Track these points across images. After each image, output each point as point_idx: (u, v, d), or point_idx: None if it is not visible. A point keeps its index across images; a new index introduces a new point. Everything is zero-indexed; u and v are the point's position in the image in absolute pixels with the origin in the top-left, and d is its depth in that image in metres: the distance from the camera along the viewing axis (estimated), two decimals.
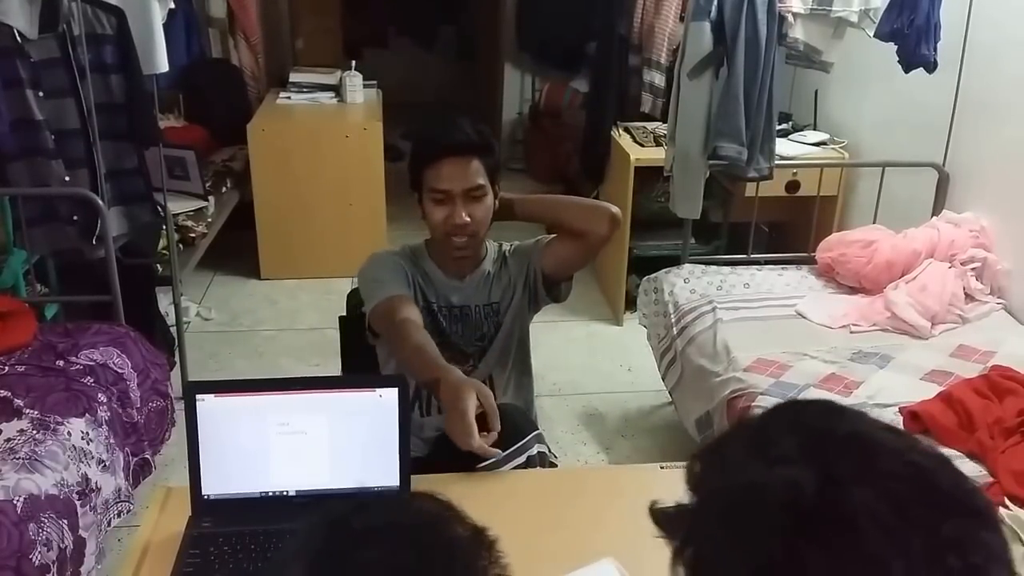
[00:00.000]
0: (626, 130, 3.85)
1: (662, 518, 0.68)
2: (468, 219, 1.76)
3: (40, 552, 1.74)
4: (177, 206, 3.46)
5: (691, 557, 0.65)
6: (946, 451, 1.99)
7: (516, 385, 1.96)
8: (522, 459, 1.64)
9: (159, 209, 2.89)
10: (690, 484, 0.67)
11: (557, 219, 1.91)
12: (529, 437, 1.68)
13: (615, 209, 1.87)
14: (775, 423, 0.66)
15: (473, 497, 1.53)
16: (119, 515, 2.08)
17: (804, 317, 2.71)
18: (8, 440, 1.93)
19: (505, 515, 1.51)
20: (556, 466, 1.90)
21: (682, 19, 3.34)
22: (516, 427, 1.70)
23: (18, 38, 2.37)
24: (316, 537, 0.72)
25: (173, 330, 3.25)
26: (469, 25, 7.11)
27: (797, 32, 2.88)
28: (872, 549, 0.56)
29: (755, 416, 0.68)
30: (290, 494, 1.46)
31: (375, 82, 4.69)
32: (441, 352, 1.85)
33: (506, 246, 1.95)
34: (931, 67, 2.77)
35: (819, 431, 0.64)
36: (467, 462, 1.63)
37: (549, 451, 1.77)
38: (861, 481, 0.59)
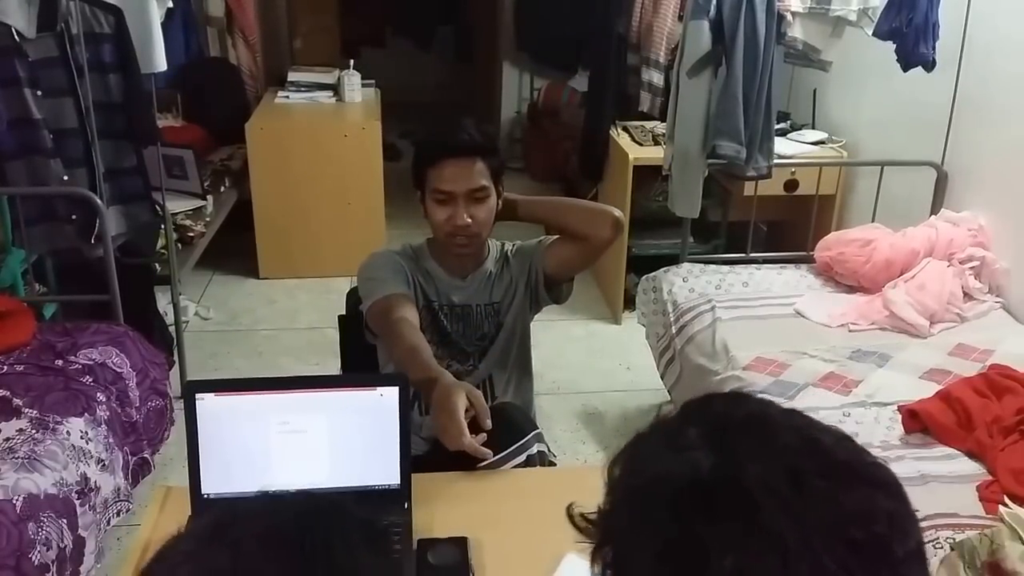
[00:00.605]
0: (625, 129, 3.85)
1: (580, 522, 0.69)
2: (470, 220, 1.76)
3: (40, 551, 1.74)
4: (175, 205, 3.46)
5: (607, 555, 0.65)
6: (944, 450, 2.01)
7: (516, 385, 1.96)
8: (522, 458, 1.65)
9: (158, 208, 2.89)
10: (607, 487, 0.68)
11: (560, 222, 1.91)
12: (529, 436, 1.68)
13: (618, 213, 1.86)
14: (683, 417, 0.67)
15: (472, 496, 1.55)
16: (118, 514, 2.08)
17: (803, 316, 2.72)
18: (7, 440, 1.93)
19: (504, 513, 1.52)
20: (555, 465, 1.91)
21: (681, 18, 3.35)
22: (516, 426, 1.70)
23: (16, 37, 2.37)
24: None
25: (172, 329, 3.25)
26: (467, 24, 7.11)
27: (796, 31, 2.89)
28: (768, 523, 0.56)
29: (667, 414, 0.69)
30: (290, 493, 1.45)
31: (373, 81, 4.69)
32: (442, 351, 1.86)
33: (508, 246, 1.95)
34: (929, 66, 2.77)
35: (720, 417, 0.65)
36: (467, 461, 1.63)
37: (548, 450, 1.77)
38: (757, 457, 0.59)
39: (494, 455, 1.63)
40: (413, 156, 1.85)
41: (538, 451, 1.68)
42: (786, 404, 2.13)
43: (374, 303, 1.77)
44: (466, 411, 1.51)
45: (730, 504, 0.58)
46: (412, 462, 1.48)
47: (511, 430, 1.68)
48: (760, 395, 0.70)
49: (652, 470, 0.63)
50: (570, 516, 0.70)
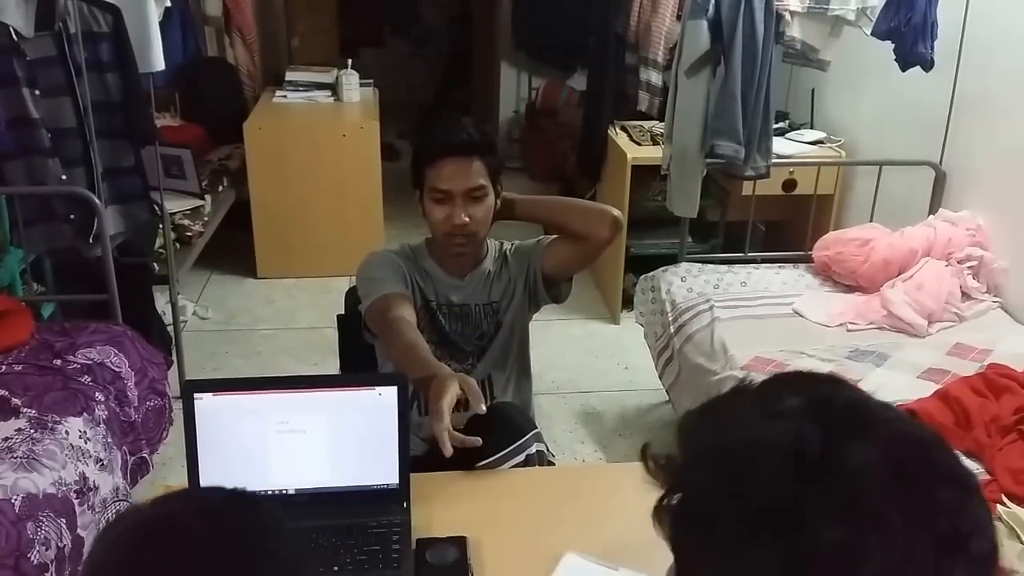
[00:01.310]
0: (623, 129, 3.85)
1: (653, 464, 0.69)
2: (468, 219, 1.76)
3: (39, 551, 1.73)
4: (173, 205, 3.45)
5: (677, 504, 0.66)
6: None
7: (516, 384, 1.96)
8: (520, 457, 1.65)
9: (156, 208, 2.89)
10: (682, 437, 0.68)
11: (559, 221, 1.91)
12: (528, 436, 1.68)
13: (617, 213, 1.86)
14: (776, 386, 0.68)
15: (471, 495, 1.55)
16: (117, 514, 2.08)
17: (801, 315, 2.72)
18: (6, 439, 1.92)
19: (503, 513, 1.52)
20: (554, 464, 1.91)
21: (679, 17, 3.35)
22: (515, 426, 1.70)
23: (14, 36, 2.37)
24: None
25: (170, 329, 3.25)
26: (465, 24, 7.10)
27: (794, 30, 2.89)
28: (872, 503, 0.58)
29: (753, 381, 0.70)
30: (289, 493, 1.46)
31: (372, 81, 4.69)
32: (441, 351, 1.86)
33: (507, 245, 1.95)
34: (928, 65, 2.77)
35: (821, 395, 0.66)
36: (466, 461, 1.64)
37: (547, 450, 1.77)
38: (864, 440, 0.61)
39: (493, 455, 1.63)
40: (411, 155, 1.85)
41: (537, 451, 1.68)
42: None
43: (373, 302, 1.77)
44: (461, 405, 1.51)
45: (837, 479, 0.59)
46: (411, 462, 1.48)
47: (510, 430, 1.68)
48: (848, 381, 0.71)
49: (747, 431, 0.64)
50: (643, 456, 0.70)
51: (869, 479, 0.59)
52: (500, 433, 1.67)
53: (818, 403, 0.64)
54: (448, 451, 1.44)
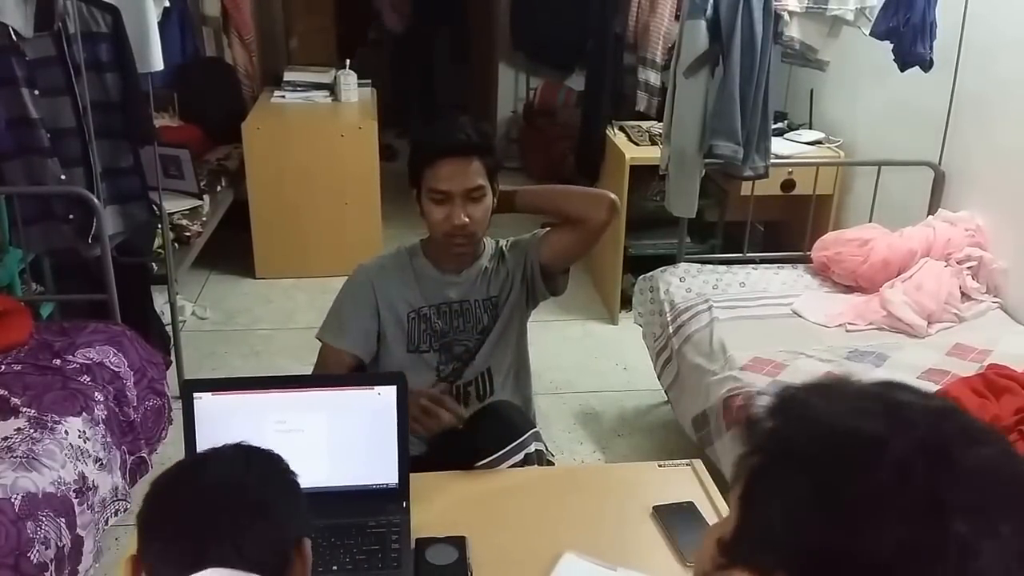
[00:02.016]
0: (621, 129, 3.85)
1: (749, 418, 0.69)
2: (467, 220, 1.76)
3: (38, 550, 1.74)
4: (172, 205, 3.45)
5: (755, 464, 0.66)
6: None
7: (515, 379, 1.95)
8: (519, 456, 1.65)
9: (155, 208, 2.89)
10: (780, 406, 0.68)
11: (556, 208, 1.91)
12: (527, 435, 1.68)
13: (613, 196, 1.88)
14: (885, 386, 0.69)
15: (471, 495, 1.55)
16: (116, 513, 2.08)
17: (800, 316, 2.72)
18: (5, 439, 1.92)
19: (502, 513, 1.52)
20: (553, 464, 1.91)
21: (678, 17, 3.35)
22: (513, 425, 1.70)
23: (13, 36, 2.36)
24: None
25: (169, 329, 3.25)
26: (463, 24, 7.09)
27: (793, 30, 2.89)
28: (993, 506, 0.60)
29: (853, 376, 0.71)
30: None
31: (370, 81, 4.69)
32: (442, 357, 1.86)
33: (503, 242, 1.95)
34: (927, 66, 2.78)
35: (938, 401, 0.67)
36: (465, 460, 1.64)
37: (546, 449, 1.77)
38: (987, 444, 0.63)
39: (492, 454, 1.63)
40: (409, 155, 1.85)
41: (536, 449, 1.68)
42: None
43: (323, 345, 1.87)
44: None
45: (968, 477, 0.61)
46: (410, 462, 1.49)
47: (508, 429, 1.68)
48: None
49: (875, 410, 0.64)
50: (747, 410, 0.71)
51: (994, 482, 0.61)
52: (499, 432, 1.68)
53: (938, 407, 0.66)
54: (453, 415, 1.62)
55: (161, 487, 1.02)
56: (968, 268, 2.75)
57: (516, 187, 1.93)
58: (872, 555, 0.59)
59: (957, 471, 0.60)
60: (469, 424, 1.78)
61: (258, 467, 1.04)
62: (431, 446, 1.86)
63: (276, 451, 1.08)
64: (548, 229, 1.92)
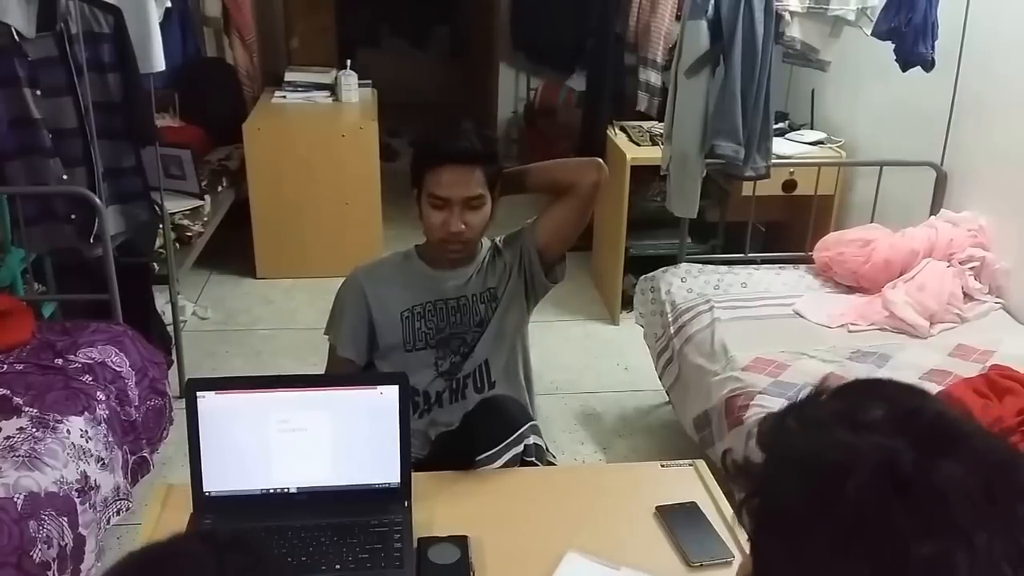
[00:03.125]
0: (622, 129, 3.85)
1: (732, 468, 0.71)
2: (463, 227, 1.77)
3: (41, 549, 1.74)
4: (173, 205, 3.45)
5: (759, 507, 0.68)
6: None
7: (514, 373, 1.95)
8: (519, 448, 1.64)
9: (156, 208, 2.89)
10: (763, 441, 0.70)
11: (547, 178, 1.93)
12: (524, 428, 1.68)
13: (599, 159, 1.93)
14: (860, 395, 0.69)
15: (473, 494, 1.55)
16: (118, 513, 2.08)
17: (802, 316, 2.72)
18: (8, 438, 1.93)
19: (505, 512, 1.52)
20: (554, 464, 1.91)
21: (678, 18, 3.35)
22: (511, 418, 1.70)
23: (16, 37, 2.36)
24: None
25: (170, 329, 3.24)
26: (463, 24, 7.11)
27: (794, 31, 2.89)
28: (961, 520, 0.60)
29: (829, 388, 0.71)
30: (291, 491, 1.46)
31: (370, 81, 4.69)
32: (441, 352, 1.86)
33: (497, 239, 1.96)
34: (928, 66, 2.77)
35: (908, 407, 0.67)
36: (465, 453, 1.64)
37: (546, 447, 1.77)
38: (952, 457, 0.62)
39: (491, 448, 1.63)
40: (412, 155, 1.85)
41: (534, 443, 1.68)
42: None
43: (330, 347, 1.92)
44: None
45: (928, 496, 0.61)
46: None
47: (506, 422, 1.68)
48: (928, 391, 0.72)
49: (836, 442, 0.65)
50: (723, 461, 0.73)
51: (958, 496, 0.61)
52: (497, 426, 1.67)
53: (906, 416, 0.65)
54: None
55: None
56: (970, 269, 2.75)
57: (512, 168, 1.94)
58: None
59: (916, 493, 0.61)
60: (467, 420, 1.78)
61: (232, 570, 0.75)
62: (432, 449, 1.86)
63: (254, 538, 0.85)
64: (539, 215, 1.92)
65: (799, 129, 3.73)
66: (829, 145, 3.63)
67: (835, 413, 0.68)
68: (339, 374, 1.83)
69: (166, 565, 0.75)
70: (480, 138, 1.80)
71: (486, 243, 1.94)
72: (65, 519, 1.83)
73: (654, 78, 3.86)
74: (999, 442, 0.66)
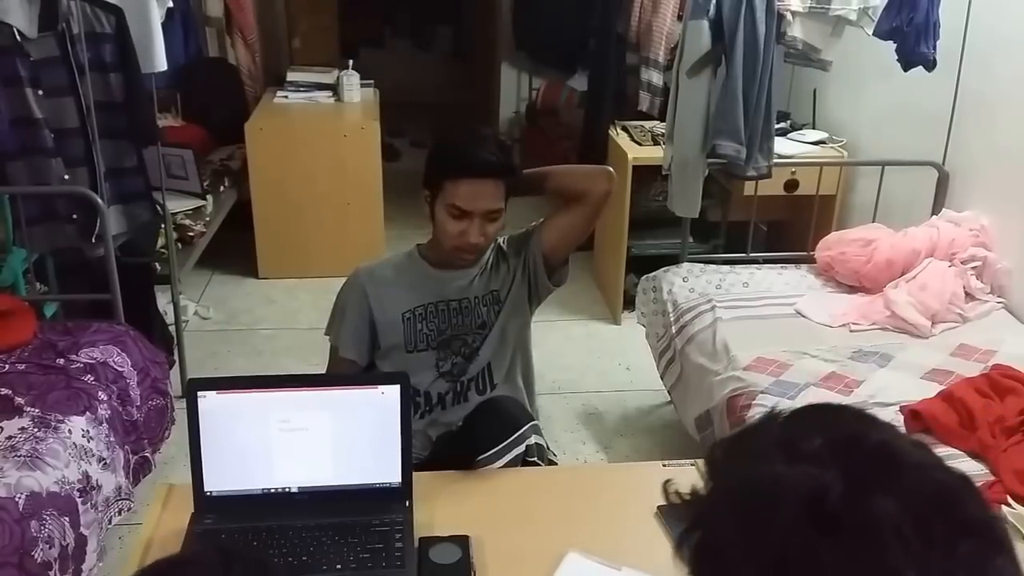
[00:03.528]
0: (624, 129, 3.85)
1: (674, 500, 0.68)
2: (482, 239, 1.77)
3: (42, 549, 1.74)
4: (175, 205, 3.46)
5: (697, 541, 0.65)
6: (947, 450, 2.01)
7: (516, 375, 1.95)
8: (521, 448, 1.64)
9: (158, 208, 2.89)
10: (708, 471, 0.67)
11: (558, 184, 1.92)
12: (525, 428, 1.68)
13: (609, 168, 1.95)
14: (804, 422, 0.66)
15: (474, 494, 1.55)
16: (119, 513, 2.08)
17: (804, 316, 2.72)
18: (9, 438, 1.93)
19: (506, 512, 1.52)
20: (556, 463, 1.90)
21: (680, 18, 3.35)
22: (512, 418, 1.70)
23: (18, 37, 2.37)
24: None
25: (172, 329, 3.25)
26: (465, 24, 7.11)
27: (796, 30, 2.88)
28: (891, 560, 0.57)
29: (782, 412, 0.68)
30: (292, 491, 1.46)
31: (372, 81, 4.69)
32: (442, 353, 1.86)
33: (500, 240, 1.96)
34: (930, 65, 2.77)
35: (848, 436, 0.64)
36: (465, 454, 1.64)
37: (547, 447, 1.77)
38: (887, 491, 0.59)
39: (491, 448, 1.63)
40: (429, 158, 1.82)
41: (535, 443, 1.67)
42: (787, 404, 2.10)
43: (331, 348, 1.91)
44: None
45: (856, 534, 0.58)
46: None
47: (507, 422, 1.68)
48: (878, 418, 0.68)
49: (769, 473, 0.62)
50: (665, 491, 0.70)
51: (889, 533, 0.57)
52: (498, 426, 1.67)
53: (844, 445, 0.62)
54: None
55: None
56: (972, 268, 2.75)
57: (531, 171, 1.93)
58: None
59: (845, 529, 0.58)
60: (468, 420, 1.78)
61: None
62: (434, 449, 1.86)
63: (267, 556, 0.90)
64: (544, 219, 1.92)
65: (801, 129, 3.73)
66: (831, 145, 3.63)
67: (775, 442, 0.64)
68: (340, 374, 1.83)
69: (177, 571, 0.80)
70: (501, 149, 1.79)
71: (491, 246, 1.94)
72: (67, 519, 1.83)
73: (656, 78, 3.86)
74: (946, 474, 0.62)
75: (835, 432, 0.64)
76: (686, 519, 0.66)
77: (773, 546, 0.59)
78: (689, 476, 0.70)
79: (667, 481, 0.70)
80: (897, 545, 0.57)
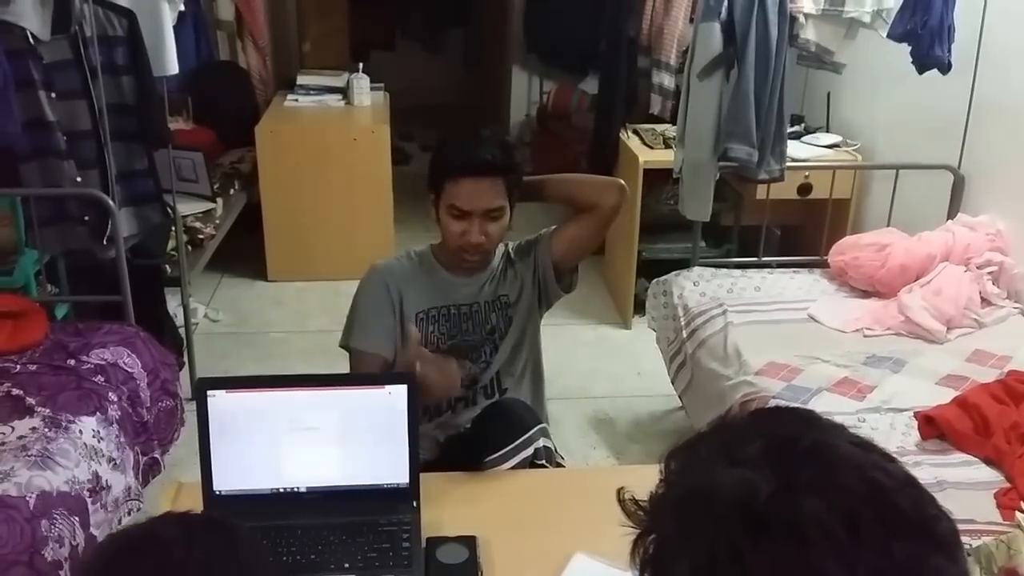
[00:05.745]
0: (635, 132, 3.84)
1: (629, 507, 0.69)
2: (483, 239, 1.77)
3: (52, 548, 1.74)
4: (185, 208, 3.46)
5: (647, 546, 0.66)
6: (962, 456, 1.99)
7: (526, 381, 1.95)
8: (529, 451, 1.64)
9: (168, 210, 2.90)
10: (662, 478, 0.69)
11: (569, 194, 1.93)
12: (534, 430, 1.67)
13: (621, 181, 1.95)
14: (748, 426, 0.67)
15: (481, 495, 1.54)
16: (129, 513, 2.08)
17: (816, 321, 2.69)
18: (21, 438, 1.93)
19: (513, 513, 1.51)
20: (564, 466, 1.89)
21: (692, 20, 3.33)
22: (521, 421, 1.70)
23: (31, 40, 2.38)
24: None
25: (181, 331, 3.25)
26: (476, 28, 7.11)
27: (808, 33, 2.87)
28: (816, 561, 0.56)
29: (734, 416, 0.70)
30: (300, 490, 1.46)
31: (382, 85, 4.70)
32: (452, 351, 1.85)
33: (510, 245, 1.95)
34: (945, 68, 2.75)
35: (785, 438, 0.64)
36: (474, 455, 1.63)
37: (555, 450, 1.76)
38: (816, 491, 0.59)
39: (500, 450, 1.62)
40: (431, 162, 1.83)
41: (544, 446, 1.67)
42: None
43: (351, 351, 1.84)
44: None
45: (782, 535, 0.58)
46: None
47: (516, 424, 1.68)
48: (830, 417, 0.68)
49: (707, 477, 0.63)
50: (620, 500, 0.71)
51: (815, 532, 0.57)
52: (506, 429, 1.67)
53: (779, 447, 0.63)
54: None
55: None
56: (988, 273, 2.72)
57: (536, 178, 1.94)
58: None
59: (772, 530, 0.58)
60: (477, 422, 1.78)
61: (202, 547, 0.81)
62: (441, 451, 1.85)
63: (230, 518, 0.88)
64: (555, 227, 1.92)
65: (815, 132, 3.71)
66: (845, 148, 3.61)
67: (720, 446, 0.65)
68: (346, 373, 1.82)
69: (138, 544, 0.82)
70: (501, 148, 1.79)
71: (500, 249, 1.93)
72: (76, 519, 1.83)
73: (667, 81, 3.85)
74: (884, 475, 0.62)
75: (773, 435, 0.64)
76: (640, 525, 0.68)
77: (703, 546, 0.60)
78: None
79: (620, 488, 0.72)
80: (823, 543, 0.57)
